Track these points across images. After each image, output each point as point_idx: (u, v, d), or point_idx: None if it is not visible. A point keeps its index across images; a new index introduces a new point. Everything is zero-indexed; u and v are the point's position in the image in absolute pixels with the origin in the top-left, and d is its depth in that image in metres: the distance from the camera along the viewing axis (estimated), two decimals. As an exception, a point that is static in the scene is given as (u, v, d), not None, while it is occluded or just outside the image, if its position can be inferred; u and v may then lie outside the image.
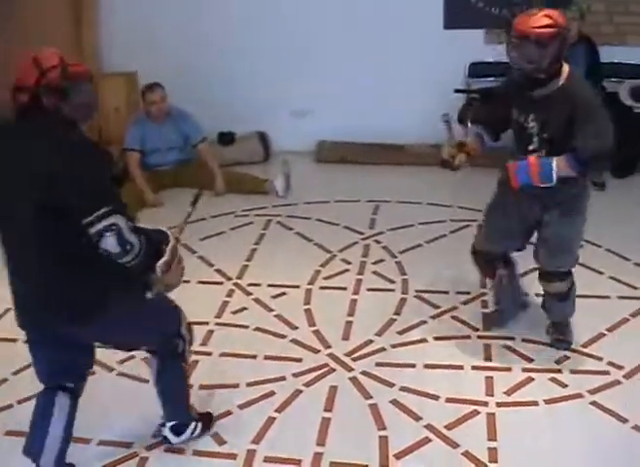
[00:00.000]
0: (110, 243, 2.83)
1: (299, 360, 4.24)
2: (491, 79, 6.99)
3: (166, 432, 3.60)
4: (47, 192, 2.82)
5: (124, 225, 2.85)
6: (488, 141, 4.10)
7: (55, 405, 3.24)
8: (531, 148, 3.87)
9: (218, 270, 5.27)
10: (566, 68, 3.77)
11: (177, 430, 3.60)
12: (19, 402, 3.91)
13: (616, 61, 6.78)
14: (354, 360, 4.22)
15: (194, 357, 4.19)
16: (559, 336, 4.31)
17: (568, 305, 4.29)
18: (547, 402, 3.86)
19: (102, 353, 3.61)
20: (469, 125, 4.17)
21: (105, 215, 2.81)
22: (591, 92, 3.84)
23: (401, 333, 4.42)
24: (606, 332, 4.42)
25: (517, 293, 4.56)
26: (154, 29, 7.20)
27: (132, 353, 4.01)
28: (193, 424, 3.63)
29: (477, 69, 7.07)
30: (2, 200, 2.98)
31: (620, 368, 4.08)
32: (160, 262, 3.02)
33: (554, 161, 3.73)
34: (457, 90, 6.89)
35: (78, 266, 2.97)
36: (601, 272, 5.06)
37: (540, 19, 3.63)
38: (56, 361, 3.23)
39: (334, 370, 4.15)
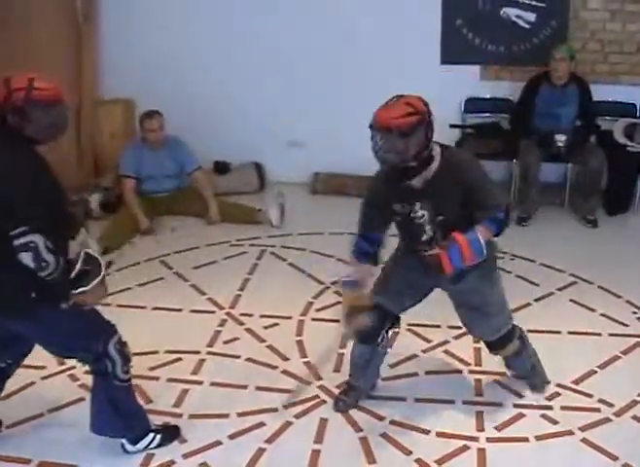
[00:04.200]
0: (26, 259, 3.05)
1: (290, 391, 4.21)
2: (487, 114, 7.09)
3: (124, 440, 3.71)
4: None
5: (41, 244, 3.04)
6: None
7: None
8: (424, 238, 3.63)
9: (210, 299, 5.26)
10: (437, 149, 3.52)
11: (134, 440, 3.71)
12: None
13: (610, 100, 6.86)
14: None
15: (184, 386, 4.23)
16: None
17: (524, 358, 4.12)
18: (537, 438, 3.84)
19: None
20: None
21: (24, 233, 3.02)
22: (471, 160, 3.62)
23: (392, 366, 4.41)
24: (597, 369, 4.41)
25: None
26: (153, 57, 7.24)
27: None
28: (151, 435, 3.73)
29: (472, 105, 7.14)
30: None
31: (610, 405, 4.07)
32: (79, 290, 3.22)
33: (478, 233, 3.44)
34: (453, 126, 6.95)
35: (7, 265, 3.11)
36: (593, 309, 5.07)
37: (400, 108, 3.40)
38: None
39: (325, 402, 4.14)
